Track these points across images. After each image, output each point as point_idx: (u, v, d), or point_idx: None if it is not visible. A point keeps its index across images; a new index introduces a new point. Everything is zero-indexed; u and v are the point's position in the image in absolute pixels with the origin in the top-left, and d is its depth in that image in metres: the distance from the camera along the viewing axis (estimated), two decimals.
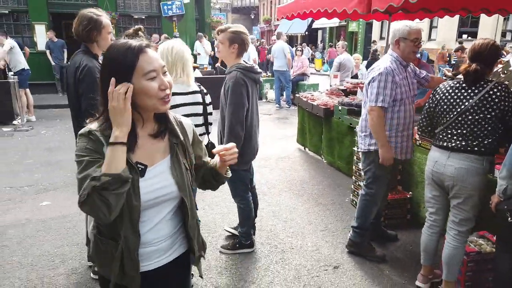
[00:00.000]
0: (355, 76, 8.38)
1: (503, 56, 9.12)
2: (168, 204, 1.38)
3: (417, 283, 2.80)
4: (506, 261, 2.32)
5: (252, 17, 45.95)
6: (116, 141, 1.18)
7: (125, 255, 1.30)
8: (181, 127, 1.43)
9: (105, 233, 1.34)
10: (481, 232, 2.89)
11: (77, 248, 3.32)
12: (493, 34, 14.27)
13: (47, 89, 11.20)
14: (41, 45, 11.26)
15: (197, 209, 1.55)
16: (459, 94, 2.44)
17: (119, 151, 1.18)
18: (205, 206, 4.09)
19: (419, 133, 2.85)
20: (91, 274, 2.91)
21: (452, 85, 2.51)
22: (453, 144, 2.43)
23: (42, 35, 11.30)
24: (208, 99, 2.76)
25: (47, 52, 10.86)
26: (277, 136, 7.26)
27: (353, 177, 4.25)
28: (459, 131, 2.42)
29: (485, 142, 2.35)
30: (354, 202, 4.08)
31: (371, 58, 12.69)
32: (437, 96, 2.55)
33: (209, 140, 2.77)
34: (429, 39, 18.60)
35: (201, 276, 1.61)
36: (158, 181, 1.32)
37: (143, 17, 13.02)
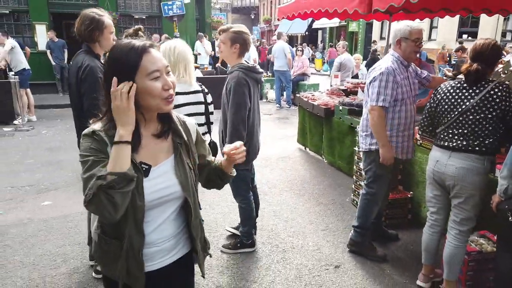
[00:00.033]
0: (355, 76, 8.39)
1: (503, 56, 9.13)
2: (171, 204, 1.38)
3: (418, 282, 2.81)
4: (507, 261, 2.33)
5: (252, 17, 45.96)
6: (121, 140, 1.18)
7: (129, 255, 1.30)
8: (184, 127, 1.43)
9: (109, 233, 1.34)
10: (482, 231, 2.90)
11: (79, 247, 3.32)
12: (493, 34, 14.27)
13: (47, 89, 11.21)
14: (41, 45, 11.26)
15: (201, 209, 1.55)
16: (460, 94, 2.45)
17: (124, 150, 1.18)
18: (206, 206, 4.09)
19: (419, 132, 2.86)
20: (93, 274, 2.91)
21: (453, 85, 2.51)
22: (454, 144, 2.44)
23: (42, 35, 11.31)
24: (209, 98, 2.77)
25: (48, 52, 10.86)
26: (278, 136, 7.27)
27: (354, 177, 4.25)
28: (460, 130, 2.43)
29: (486, 142, 2.36)
30: (355, 201, 4.09)
31: (370, 58, 12.72)
32: (438, 96, 2.56)
33: (211, 139, 2.78)
34: (429, 39, 18.61)
35: (203, 276, 1.60)
36: (162, 181, 1.32)
37: (144, 17, 13.03)
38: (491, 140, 2.36)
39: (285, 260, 3.18)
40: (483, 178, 2.40)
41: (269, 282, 2.89)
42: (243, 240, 3.27)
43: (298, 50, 11.01)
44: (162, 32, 11.97)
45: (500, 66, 3.63)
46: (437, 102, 2.56)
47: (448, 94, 2.50)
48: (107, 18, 2.58)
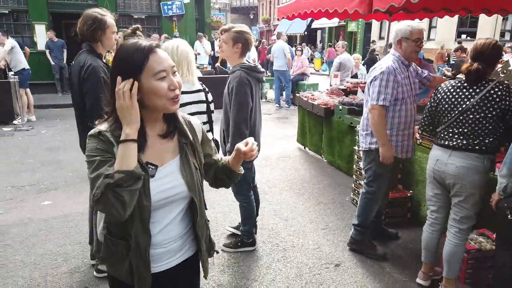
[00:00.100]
0: (354, 76, 8.41)
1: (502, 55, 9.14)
2: (178, 204, 1.38)
3: (418, 280, 2.83)
4: (506, 259, 2.34)
5: (251, 17, 45.97)
6: (126, 138, 1.18)
7: (136, 255, 1.30)
8: (190, 127, 1.43)
9: (115, 233, 1.34)
10: (481, 229, 2.91)
11: (80, 247, 3.33)
12: (492, 34, 14.30)
13: (47, 89, 11.20)
14: (41, 45, 11.26)
15: (206, 209, 1.55)
16: (460, 93, 2.46)
17: (130, 148, 1.19)
18: (207, 205, 4.10)
19: (419, 132, 2.88)
20: (94, 273, 2.92)
21: (453, 84, 2.53)
22: (454, 143, 2.45)
23: (42, 35, 11.30)
24: (210, 97, 2.79)
25: (47, 52, 10.86)
26: (278, 136, 7.28)
27: (354, 176, 4.27)
28: (460, 130, 2.44)
29: (486, 141, 2.37)
30: (355, 200, 4.10)
31: (368, 57, 12.75)
32: (438, 95, 2.57)
33: (213, 137, 2.79)
34: (428, 39, 18.63)
35: (205, 277, 1.60)
36: (168, 181, 1.32)
37: (143, 17, 13.03)
38: (491, 139, 2.37)
39: (285, 258, 3.20)
40: (483, 177, 2.42)
41: (269, 281, 2.90)
42: (244, 239, 3.28)
43: (298, 50, 11.01)
44: (161, 32, 11.98)
45: (499, 65, 3.65)
46: (437, 101, 2.57)
47: (448, 93, 2.52)
48: (109, 18, 2.59)
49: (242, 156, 1.45)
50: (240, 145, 1.44)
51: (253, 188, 3.29)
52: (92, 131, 1.25)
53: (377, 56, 13.17)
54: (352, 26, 24.93)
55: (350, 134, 4.82)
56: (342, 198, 4.40)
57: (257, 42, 17.99)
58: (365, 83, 6.02)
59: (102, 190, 1.13)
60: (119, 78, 1.20)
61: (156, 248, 1.36)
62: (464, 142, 2.42)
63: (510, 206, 2.16)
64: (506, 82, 2.49)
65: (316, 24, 26.00)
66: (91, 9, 2.59)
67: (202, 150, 1.48)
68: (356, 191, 4.09)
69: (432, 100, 2.62)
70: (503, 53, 10.16)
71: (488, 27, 14.97)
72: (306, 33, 30.98)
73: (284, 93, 10.56)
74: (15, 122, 7.99)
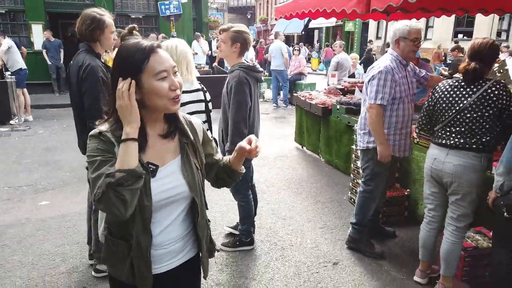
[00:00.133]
0: (352, 76, 8.43)
1: None
2: (179, 205, 1.38)
3: (415, 278, 2.85)
4: (502, 256, 2.36)
5: (249, 16, 45.96)
6: (127, 137, 1.18)
7: (137, 254, 1.30)
8: (191, 127, 1.43)
9: (116, 234, 1.34)
10: (478, 227, 2.93)
11: (78, 247, 3.33)
12: (488, 34, 14.36)
13: (43, 89, 11.16)
14: (37, 45, 11.21)
15: (207, 209, 1.55)
16: (457, 92, 2.48)
17: (131, 147, 1.18)
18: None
19: (417, 131, 2.89)
20: (93, 273, 2.92)
21: (451, 83, 2.54)
22: (452, 142, 2.47)
23: (39, 35, 11.25)
24: (208, 96, 2.79)
25: (44, 51, 10.83)
26: (275, 136, 7.29)
27: (351, 175, 4.28)
28: (457, 129, 2.46)
29: (483, 139, 2.39)
30: (352, 199, 4.12)
31: (365, 57, 12.79)
32: (436, 95, 2.59)
33: (212, 136, 2.79)
34: (425, 38, 18.70)
35: (204, 277, 1.59)
36: (169, 181, 1.32)
37: (141, 17, 13.00)
38: (488, 138, 2.39)
39: (283, 257, 3.21)
40: (480, 175, 2.44)
41: (268, 279, 2.91)
42: (242, 238, 3.28)
43: (295, 50, 11.03)
44: (159, 32, 11.96)
45: (496, 65, 3.67)
46: (435, 100, 2.59)
47: (446, 92, 2.53)
48: (108, 18, 2.59)
49: (246, 154, 1.44)
50: (243, 144, 1.42)
51: (251, 188, 3.30)
52: (92, 132, 1.25)
53: (373, 56, 13.21)
54: (349, 26, 24.97)
55: (348, 133, 4.84)
56: (339, 197, 4.42)
57: (255, 41, 18.00)
58: (362, 82, 6.04)
59: (103, 190, 1.13)
60: (120, 79, 1.20)
61: (157, 249, 1.35)
62: (462, 141, 2.44)
63: (507, 204, 2.18)
64: (502, 81, 2.51)
65: (313, 24, 26.03)
66: (89, 9, 2.59)
67: (203, 150, 1.48)
68: (354, 190, 4.11)
69: (430, 100, 2.64)
70: (500, 52, 10.20)
71: (484, 26, 15.02)
72: (303, 32, 31.03)
73: (281, 92, 10.57)
74: (12, 122, 7.95)
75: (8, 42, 8.11)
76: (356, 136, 3.60)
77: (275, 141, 6.93)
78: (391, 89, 2.84)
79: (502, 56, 7.36)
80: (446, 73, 6.97)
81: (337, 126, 5.14)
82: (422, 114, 2.72)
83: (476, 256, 2.74)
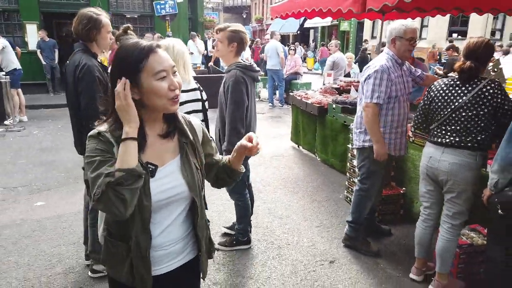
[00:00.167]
0: (347, 75, 8.47)
1: None
2: (178, 205, 1.37)
3: (411, 275, 2.87)
4: (497, 253, 2.38)
5: (244, 16, 45.94)
6: (126, 136, 1.18)
7: (137, 255, 1.29)
8: (190, 127, 1.43)
9: (115, 235, 1.34)
10: (473, 225, 2.96)
11: (74, 247, 3.31)
12: (482, 33, 14.46)
13: (38, 89, 11.09)
14: (32, 45, 11.13)
15: (207, 209, 1.55)
16: (453, 91, 2.50)
17: (130, 147, 1.18)
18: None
19: (412, 130, 2.91)
20: (89, 273, 2.91)
21: (446, 82, 2.56)
22: (447, 140, 2.49)
23: (33, 35, 11.17)
24: (204, 95, 2.79)
25: (38, 51, 10.76)
26: (271, 135, 7.30)
27: (347, 174, 4.30)
28: (453, 127, 2.48)
29: (478, 138, 2.41)
30: (348, 198, 4.14)
31: (360, 56, 12.84)
32: (431, 94, 2.61)
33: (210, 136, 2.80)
34: (420, 38, 18.79)
35: (203, 278, 1.58)
36: (169, 181, 1.32)
37: (136, 16, 12.95)
38: (483, 136, 2.41)
39: (280, 256, 3.21)
40: (475, 173, 2.46)
41: (265, 278, 2.92)
42: (239, 237, 3.29)
43: (291, 49, 11.05)
44: (154, 32, 11.92)
45: (490, 64, 3.70)
46: (430, 99, 2.60)
47: (441, 91, 2.55)
48: (104, 18, 2.59)
49: (247, 152, 1.43)
50: (244, 142, 1.41)
51: (247, 187, 3.30)
52: (91, 132, 1.25)
53: (368, 55, 13.26)
54: (344, 25, 25.04)
55: (344, 132, 4.85)
56: (336, 196, 4.43)
57: (251, 41, 18.01)
58: (358, 81, 6.06)
59: (102, 189, 1.12)
60: (119, 79, 1.20)
61: (157, 250, 1.35)
62: (457, 139, 2.46)
63: (501, 201, 2.20)
64: (497, 80, 2.53)
65: (309, 23, 26.07)
66: (86, 9, 2.58)
67: (203, 150, 1.47)
68: (350, 189, 4.12)
69: (426, 98, 2.66)
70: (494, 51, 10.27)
71: (479, 26, 15.13)
72: (299, 32, 31.02)
73: (277, 92, 10.58)
74: (6, 122, 7.89)
75: (2, 42, 8.04)
76: (352, 135, 3.61)
77: (271, 140, 6.93)
78: (387, 88, 2.86)
79: (496, 55, 7.41)
80: (441, 72, 7.02)
81: (333, 125, 5.16)
82: (418, 113, 2.74)
83: (471, 253, 2.76)
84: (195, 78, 2.80)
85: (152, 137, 1.31)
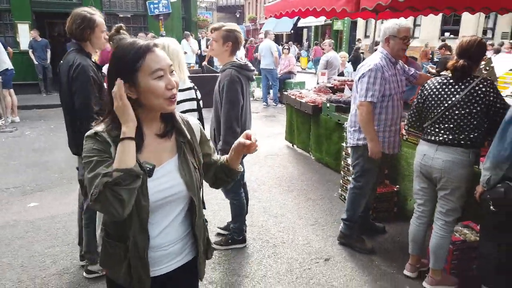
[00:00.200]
0: (341, 74, 8.50)
1: None
2: (177, 205, 1.37)
3: (405, 272, 2.89)
4: (489, 250, 2.42)
5: (237, 16, 45.86)
6: (123, 136, 1.18)
7: (134, 256, 1.29)
8: (188, 126, 1.42)
9: (113, 235, 1.34)
10: (466, 221, 2.99)
11: (68, 248, 3.30)
12: (474, 32, 14.57)
13: (30, 89, 10.99)
14: (24, 45, 11.02)
15: (205, 208, 1.54)
16: (446, 89, 2.52)
17: (128, 146, 1.18)
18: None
19: (405, 128, 2.93)
20: (84, 274, 2.90)
21: (439, 81, 2.59)
22: (441, 138, 2.51)
23: (25, 35, 11.06)
24: (199, 94, 2.79)
25: (30, 51, 10.66)
26: (265, 134, 7.31)
27: (342, 172, 4.32)
28: (446, 125, 2.50)
29: (471, 135, 2.44)
30: (343, 196, 4.16)
31: (353, 55, 12.89)
32: (425, 92, 2.63)
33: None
34: (413, 37, 18.91)
35: (200, 279, 1.57)
36: (166, 181, 1.31)
37: (129, 16, 12.88)
38: (476, 134, 2.44)
39: (276, 254, 3.23)
40: (468, 170, 2.49)
41: (261, 277, 2.93)
42: (234, 236, 3.29)
43: (285, 49, 11.06)
44: (148, 31, 11.87)
45: (482, 62, 3.74)
46: (424, 98, 2.63)
47: (435, 90, 2.57)
48: (98, 17, 2.57)
49: (245, 150, 1.43)
50: (242, 140, 1.41)
51: (242, 186, 3.31)
52: (88, 132, 1.25)
53: (361, 54, 13.31)
54: (338, 25, 25.10)
55: (338, 131, 4.88)
56: (330, 194, 4.45)
57: (244, 40, 17.99)
58: (351, 80, 6.09)
59: (100, 189, 1.12)
60: (119, 80, 1.19)
61: (156, 251, 1.35)
62: (450, 137, 2.48)
63: (493, 198, 2.23)
64: (489, 78, 2.56)
65: (302, 22, 26.11)
66: (80, 8, 2.56)
67: (201, 149, 1.47)
68: (344, 187, 4.14)
69: (419, 97, 2.68)
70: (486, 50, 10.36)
71: (470, 25, 15.26)
72: (292, 31, 31.09)
73: (271, 91, 10.59)
74: None
75: None
76: (346, 133, 3.63)
77: (266, 139, 6.94)
78: (381, 86, 2.88)
79: (487, 54, 7.48)
80: (433, 70, 7.08)
81: (327, 124, 5.18)
82: (411, 111, 2.76)
83: (464, 249, 2.79)
84: (189, 77, 2.80)
85: (150, 136, 1.31)
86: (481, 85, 2.41)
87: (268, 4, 6.31)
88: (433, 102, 2.56)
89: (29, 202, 4.24)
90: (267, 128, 7.84)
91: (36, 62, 10.75)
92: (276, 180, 4.93)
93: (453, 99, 2.47)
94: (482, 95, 2.40)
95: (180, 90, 2.57)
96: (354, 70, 9.14)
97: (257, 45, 12.57)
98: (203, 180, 1.51)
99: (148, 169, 1.23)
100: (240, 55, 10.49)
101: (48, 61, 10.92)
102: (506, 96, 3.54)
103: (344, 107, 4.90)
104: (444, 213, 2.59)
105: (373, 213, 3.71)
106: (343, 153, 4.33)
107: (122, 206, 1.15)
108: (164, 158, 1.33)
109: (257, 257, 3.19)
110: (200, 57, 12.86)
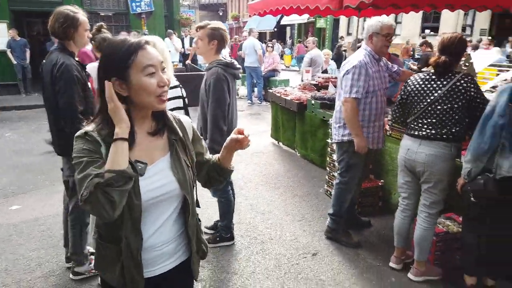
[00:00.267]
0: (325, 71, 8.57)
1: None
2: (170, 204, 1.36)
3: (391, 264, 2.96)
4: (471, 240, 2.50)
5: (220, 14, 45.64)
6: (116, 137, 1.17)
7: (127, 256, 1.28)
8: (179, 124, 1.41)
9: (106, 237, 1.32)
10: (448, 214, 3.07)
11: (53, 250, 3.24)
12: (454, 29, 14.90)
13: (9, 90, 10.75)
14: (2, 45, 10.73)
15: (199, 207, 1.53)
16: (428, 85, 2.58)
17: (120, 147, 1.16)
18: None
19: (389, 123, 2.99)
20: (71, 275, 2.86)
21: (422, 77, 2.65)
22: (424, 133, 2.57)
23: (3, 34, 10.78)
24: (184, 92, 2.79)
25: (8, 51, 10.40)
26: (251, 132, 7.06)
27: (327, 168, 4.37)
28: (429, 120, 2.56)
29: (453, 130, 2.50)
30: (329, 192, 4.21)
31: (335, 53, 13.02)
32: (408, 88, 2.69)
33: None
34: (394, 34, 19.19)
35: (195, 279, 1.54)
36: (159, 179, 1.30)
37: (110, 14, 12.70)
38: (457, 128, 2.51)
39: (264, 251, 3.25)
40: (450, 164, 2.55)
41: (249, 273, 2.95)
42: (222, 233, 3.30)
43: (269, 46, 11.09)
44: (130, 30, 11.72)
45: (462, 58, 3.83)
46: (407, 93, 2.69)
47: (417, 85, 2.63)
48: (81, 15, 2.53)
49: (238, 146, 1.42)
50: (234, 135, 1.41)
51: (229, 183, 3.31)
52: (78, 132, 1.23)
53: (343, 52, 13.45)
54: (321, 23, 25.26)
55: (323, 127, 4.93)
56: (316, 190, 4.50)
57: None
58: (335, 78, 6.15)
59: (91, 190, 1.10)
60: (107, 83, 1.18)
61: (150, 252, 1.33)
62: (433, 131, 2.54)
63: (473, 189, 2.30)
64: (470, 74, 2.63)
65: (285, 20, 26.20)
66: (62, 7, 2.52)
67: (194, 148, 1.46)
68: (330, 183, 4.20)
69: (403, 93, 2.74)
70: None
71: (450, 22, 15.60)
72: (275, 29, 31.14)
73: (255, 89, 10.60)
74: None
75: None
76: (331, 130, 3.68)
77: (251, 137, 6.85)
78: (365, 83, 2.92)
79: (467, 50, 7.66)
80: (415, 67, 7.20)
81: (312, 121, 5.22)
82: (395, 107, 2.82)
83: (447, 240, 2.87)
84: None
85: (141, 135, 1.29)
86: (462, 81, 2.48)
87: (251, 2, 6.31)
88: (416, 97, 2.62)
89: (11, 205, 4.15)
90: (252, 126, 7.85)
91: (15, 62, 10.51)
92: (263, 178, 4.96)
93: (435, 94, 2.53)
94: (463, 91, 2.46)
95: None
96: (338, 67, 9.24)
97: (241, 43, 12.56)
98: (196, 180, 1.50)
99: (140, 167, 1.22)
100: (225, 53, 10.48)
101: (28, 61, 10.68)
102: (485, 91, 3.64)
103: (328, 104, 4.95)
104: (427, 206, 2.66)
105: (358, 208, 3.77)
106: (329, 149, 4.38)
107: (113, 207, 1.14)
108: (156, 156, 1.32)
109: (246, 254, 3.21)
110: (184, 56, 12.77)
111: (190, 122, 1.50)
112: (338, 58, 12.10)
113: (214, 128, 2.80)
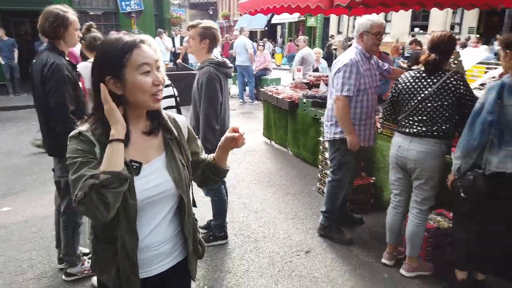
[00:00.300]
0: (316, 70, 8.60)
1: None
2: (165, 203, 1.35)
3: (383, 260, 2.99)
4: (461, 235, 2.54)
5: (211, 12, 45.49)
6: (111, 138, 1.16)
7: (122, 256, 1.27)
8: (174, 124, 1.41)
9: (101, 238, 1.32)
10: (439, 210, 3.11)
11: (45, 251, 3.22)
12: (443, 27, 15.05)
13: None
14: None
15: (196, 207, 1.52)
16: (419, 83, 2.61)
17: (117, 149, 1.16)
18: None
19: (381, 121, 3.02)
20: (63, 276, 2.84)
21: (413, 75, 2.68)
22: (415, 130, 2.61)
23: None
24: (175, 91, 2.78)
25: None
26: (243, 131, 7.30)
27: (319, 166, 4.40)
28: (419, 117, 2.60)
29: (443, 127, 2.54)
30: (321, 190, 4.24)
31: (326, 52, 13.07)
32: (399, 86, 2.72)
33: None
34: (384, 32, 19.32)
35: (193, 279, 1.54)
36: (154, 178, 1.29)
37: (100, 14, 12.58)
38: (447, 125, 2.54)
39: (257, 249, 3.26)
40: (440, 160, 2.59)
41: (243, 271, 2.96)
42: (216, 232, 3.30)
43: (260, 45, 11.09)
44: (120, 29, 11.63)
45: (452, 56, 3.88)
46: (398, 91, 2.72)
47: (408, 83, 2.66)
48: (71, 15, 2.51)
49: (233, 144, 1.42)
50: (229, 134, 1.41)
51: (222, 182, 3.32)
52: (72, 132, 1.22)
53: (334, 51, 13.51)
54: (311, 21, 25.34)
55: (315, 126, 4.95)
56: (309, 188, 4.53)
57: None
58: (326, 76, 6.18)
59: (85, 191, 1.09)
60: (102, 86, 1.18)
61: (146, 252, 1.32)
62: (424, 129, 2.58)
63: (463, 185, 2.34)
64: (460, 72, 2.67)
65: (276, 19, 26.20)
66: (52, 6, 2.49)
67: (189, 147, 1.45)
68: (322, 181, 4.22)
69: (393, 91, 2.77)
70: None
71: (439, 20, 15.75)
72: (266, 28, 31.13)
73: (247, 88, 10.60)
74: None
75: None
76: (323, 128, 3.70)
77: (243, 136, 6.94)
78: (356, 81, 2.95)
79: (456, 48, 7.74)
80: (405, 65, 7.27)
81: (304, 119, 5.24)
82: (386, 105, 2.85)
83: (438, 236, 2.91)
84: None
85: (136, 134, 1.29)
86: (452, 79, 2.51)
87: (242, 1, 6.30)
88: (407, 95, 2.65)
89: (1, 207, 4.10)
90: (244, 125, 7.84)
91: (2, 62, 10.35)
92: (255, 176, 4.97)
93: (426, 92, 2.56)
94: (453, 88, 2.50)
95: None
96: (328, 66, 9.28)
97: (232, 42, 12.54)
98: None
99: (135, 167, 1.21)
100: (216, 52, 10.47)
101: (15, 61, 10.53)
102: (474, 88, 3.70)
103: (320, 102, 4.97)
104: (419, 202, 2.70)
105: (350, 205, 3.80)
106: (321, 147, 4.40)
107: (107, 209, 1.13)
108: (151, 155, 1.31)
109: (239, 252, 3.22)
110: (174, 55, 12.71)
111: (185, 121, 1.49)
112: (329, 57, 12.16)
113: (206, 127, 2.80)
